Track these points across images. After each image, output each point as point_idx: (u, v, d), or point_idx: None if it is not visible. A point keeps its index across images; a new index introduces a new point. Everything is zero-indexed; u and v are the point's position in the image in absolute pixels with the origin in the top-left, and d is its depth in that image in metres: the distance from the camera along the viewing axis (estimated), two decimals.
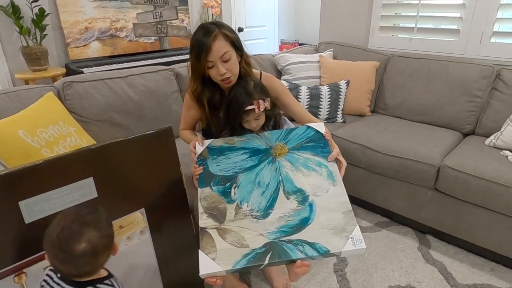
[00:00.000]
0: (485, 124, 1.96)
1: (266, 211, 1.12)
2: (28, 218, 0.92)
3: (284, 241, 1.05)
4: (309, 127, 1.32)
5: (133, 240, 1.14)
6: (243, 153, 1.24)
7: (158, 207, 1.17)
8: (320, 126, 1.31)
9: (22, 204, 0.91)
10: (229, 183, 1.19)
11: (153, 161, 1.14)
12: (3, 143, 1.23)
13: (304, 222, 1.09)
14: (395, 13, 2.52)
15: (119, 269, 1.12)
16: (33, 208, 0.93)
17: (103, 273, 0.91)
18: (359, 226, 1.06)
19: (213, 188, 1.19)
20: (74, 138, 1.44)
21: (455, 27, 2.21)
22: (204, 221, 1.10)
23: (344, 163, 1.23)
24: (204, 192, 1.17)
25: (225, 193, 1.17)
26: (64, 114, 1.52)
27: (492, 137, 1.80)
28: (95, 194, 1.03)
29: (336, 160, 1.23)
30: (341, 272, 1.62)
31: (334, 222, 1.08)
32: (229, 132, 1.32)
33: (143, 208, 1.14)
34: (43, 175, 0.94)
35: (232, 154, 1.25)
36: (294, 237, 1.05)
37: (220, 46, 1.20)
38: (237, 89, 1.26)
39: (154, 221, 1.17)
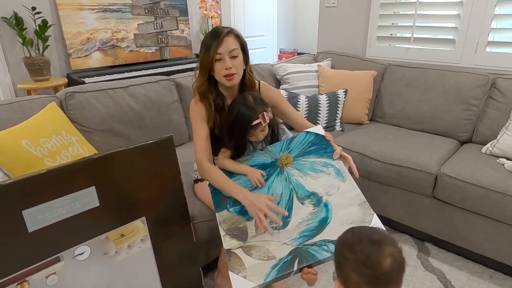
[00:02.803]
0: (481, 132, 1.98)
1: (285, 220, 1.14)
2: (31, 227, 0.94)
3: (308, 244, 1.06)
4: (308, 132, 1.34)
5: (134, 249, 1.15)
6: None
7: (159, 215, 1.18)
8: (318, 129, 1.34)
9: (26, 213, 0.92)
10: None
11: (154, 170, 1.15)
12: (6, 153, 1.24)
13: (323, 223, 1.11)
14: (392, 23, 2.57)
15: (120, 277, 1.13)
16: (36, 217, 0.94)
17: None
18: None
19: (230, 210, 1.20)
20: (76, 148, 1.46)
21: (450, 37, 2.25)
22: (228, 242, 1.11)
23: (349, 156, 1.26)
24: (222, 216, 1.19)
25: (242, 212, 1.18)
26: (66, 124, 1.54)
27: (488, 145, 1.82)
28: (97, 203, 1.04)
29: (341, 157, 1.25)
30: None
31: (352, 215, 1.11)
32: (234, 147, 1.34)
33: (144, 217, 1.16)
34: (46, 184, 0.95)
35: (241, 174, 1.28)
36: (316, 238, 1.07)
37: (231, 42, 1.27)
38: (238, 106, 1.27)
39: (154, 230, 1.18)
